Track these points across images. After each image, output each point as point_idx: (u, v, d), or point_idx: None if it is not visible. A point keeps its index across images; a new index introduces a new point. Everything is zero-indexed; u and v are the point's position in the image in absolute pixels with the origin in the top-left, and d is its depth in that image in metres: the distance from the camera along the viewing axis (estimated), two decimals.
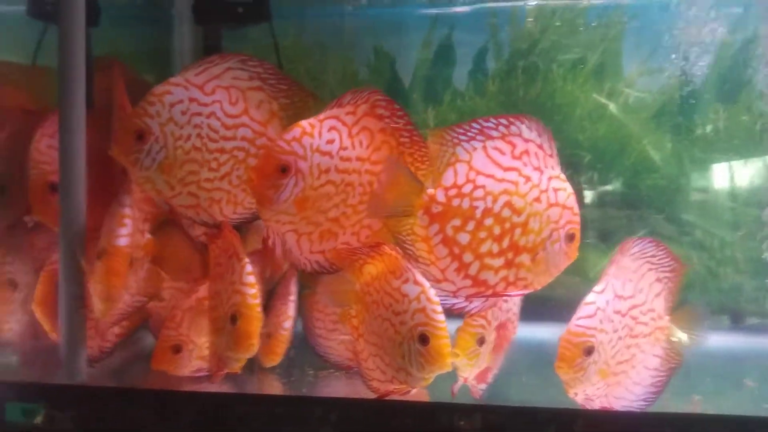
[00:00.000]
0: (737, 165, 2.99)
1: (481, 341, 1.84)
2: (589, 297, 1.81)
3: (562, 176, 1.77)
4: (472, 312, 1.78)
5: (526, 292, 1.80)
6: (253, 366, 2.20)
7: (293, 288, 2.23)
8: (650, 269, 1.90)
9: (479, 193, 1.71)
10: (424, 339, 1.69)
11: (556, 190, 1.75)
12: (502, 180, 1.72)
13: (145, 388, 2.07)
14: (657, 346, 1.93)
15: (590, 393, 1.83)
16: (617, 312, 1.83)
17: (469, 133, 1.72)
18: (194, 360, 2.16)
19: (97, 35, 2.81)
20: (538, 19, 3.07)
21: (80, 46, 2.05)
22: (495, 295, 1.75)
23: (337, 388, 2.24)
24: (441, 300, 1.72)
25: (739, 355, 2.55)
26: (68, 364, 2.05)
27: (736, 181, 2.99)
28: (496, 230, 1.72)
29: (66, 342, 2.05)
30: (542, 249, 1.75)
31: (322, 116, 1.89)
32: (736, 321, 2.90)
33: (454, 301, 1.76)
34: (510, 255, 1.74)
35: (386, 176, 1.73)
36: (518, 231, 1.72)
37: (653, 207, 3.02)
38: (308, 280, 2.30)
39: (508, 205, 1.72)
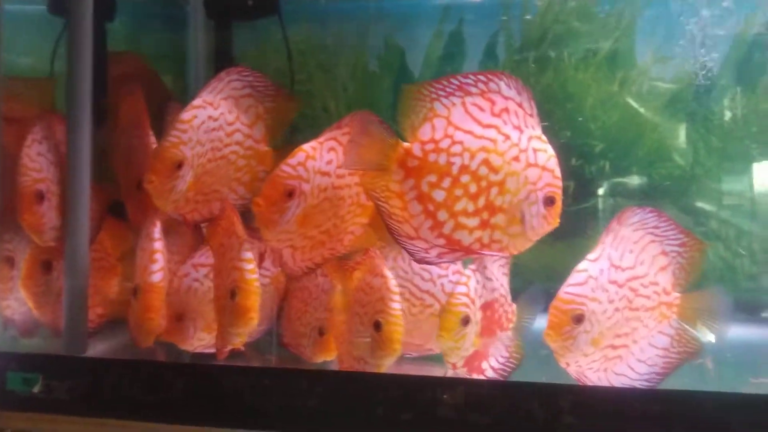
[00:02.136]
0: (755, 153, 2.89)
1: (466, 321, 1.80)
2: (581, 265, 1.78)
3: (543, 137, 1.75)
4: (437, 263, 1.77)
5: (500, 254, 1.77)
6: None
7: None
8: (653, 241, 1.85)
9: (457, 148, 1.69)
10: (378, 325, 1.76)
11: (535, 150, 1.72)
12: (480, 137, 1.70)
13: (137, 359, 2.10)
14: (665, 323, 1.87)
15: (584, 365, 1.79)
16: (613, 282, 1.78)
17: (447, 89, 1.71)
18: (200, 332, 2.17)
19: (115, 32, 2.92)
20: (550, 8, 3.05)
21: (88, 40, 2.15)
22: (468, 253, 1.73)
23: None
24: (412, 251, 1.73)
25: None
26: (68, 337, 2.10)
27: (754, 170, 2.89)
28: (473, 188, 1.70)
29: (67, 316, 2.10)
30: (518, 211, 1.72)
31: (322, 138, 1.98)
32: (754, 314, 2.78)
33: (425, 255, 1.74)
34: (485, 215, 1.71)
35: (361, 130, 1.73)
36: (495, 190, 1.70)
37: (667, 197, 2.94)
38: None
39: (486, 162, 1.69)
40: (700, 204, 2.93)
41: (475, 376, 1.83)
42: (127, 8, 3.10)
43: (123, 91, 2.43)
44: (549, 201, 1.72)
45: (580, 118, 3.00)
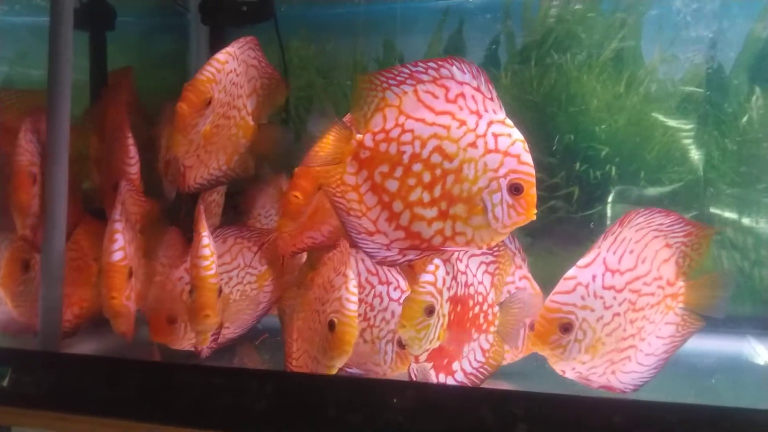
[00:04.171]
0: None
1: (430, 311, 1.67)
2: (570, 272, 1.69)
3: (508, 121, 1.63)
4: (400, 263, 1.66)
5: (468, 248, 1.65)
6: None
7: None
8: (656, 237, 1.75)
9: (407, 137, 1.61)
10: (332, 325, 1.67)
11: (496, 135, 1.60)
12: (432, 123, 1.61)
13: (97, 356, 2.07)
14: (670, 314, 1.78)
15: (584, 370, 1.71)
16: (609, 288, 1.68)
17: (398, 78, 1.64)
18: (191, 332, 2.13)
19: (119, 41, 2.94)
20: (552, 8, 2.94)
21: (68, 46, 2.07)
22: (431, 249, 1.62)
23: None
24: (373, 251, 1.64)
25: None
26: (43, 333, 2.07)
27: None
28: (426, 177, 1.61)
29: (42, 313, 2.07)
30: (480, 200, 1.60)
31: None
32: None
33: (387, 253, 1.65)
34: (443, 205, 1.61)
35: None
36: (451, 178, 1.60)
37: (678, 203, 2.78)
38: None
39: (439, 150, 1.60)
40: (714, 210, 2.76)
41: (441, 376, 1.71)
42: (131, 18, 3.15)
43: (106, 99, 2.46)
44: (515, 189, 1.59)
45: (584, 121, 2.88)
